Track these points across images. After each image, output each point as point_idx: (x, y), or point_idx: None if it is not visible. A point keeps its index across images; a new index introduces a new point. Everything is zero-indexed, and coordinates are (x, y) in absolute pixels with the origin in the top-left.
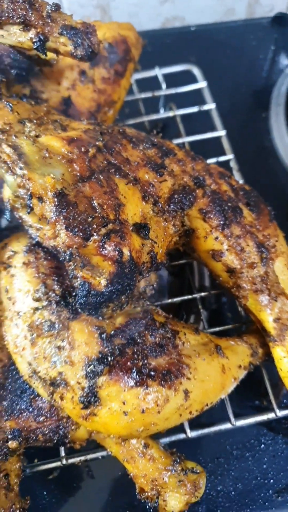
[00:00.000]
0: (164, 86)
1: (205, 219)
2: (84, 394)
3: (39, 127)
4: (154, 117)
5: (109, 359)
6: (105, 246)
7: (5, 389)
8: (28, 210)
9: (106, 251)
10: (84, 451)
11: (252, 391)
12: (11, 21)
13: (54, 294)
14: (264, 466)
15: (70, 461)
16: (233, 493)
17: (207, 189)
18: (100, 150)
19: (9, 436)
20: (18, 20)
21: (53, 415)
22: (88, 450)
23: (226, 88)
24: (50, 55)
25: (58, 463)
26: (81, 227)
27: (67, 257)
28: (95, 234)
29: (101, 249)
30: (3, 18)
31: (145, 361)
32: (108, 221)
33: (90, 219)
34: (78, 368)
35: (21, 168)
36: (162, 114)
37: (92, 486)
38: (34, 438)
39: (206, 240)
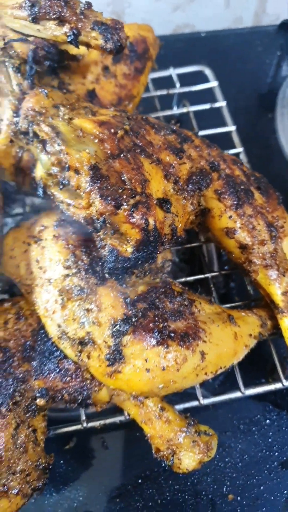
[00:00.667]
0: (178, 85)
1: (220, 199)
2: (110, 352)
3: (71, 111)
4: (168, 112)
5: (133, 320)
6: (133, 215)
7: (34, 351)
8: (61, 187)
9: (134, 220)
10: (103, 415)
11: (259, 369)
12: (47, 17)
13: (82, 263)
14: (270, 440)
15: (90, 424)
16: (240, 464)
17: (222, 173)
18: (127, 133)
19: (37, 395)
20: (54, 16)
21: (78, 376)
22: (107, 415)
23: (234, 90)
24: (77, 50)
25: (79, 426)
26: (113, 196)
27: (99, 225)
28: (125, 203)
29: (129, 218)
30: (40, 14)
31: (165, 323)
32: (136, 193)
33: (120, 190)
34: (105, 328)
35: (59, 144)
36: (176, 110)
37: (107, 456)
38: (60, 397)
39: (221, 218)
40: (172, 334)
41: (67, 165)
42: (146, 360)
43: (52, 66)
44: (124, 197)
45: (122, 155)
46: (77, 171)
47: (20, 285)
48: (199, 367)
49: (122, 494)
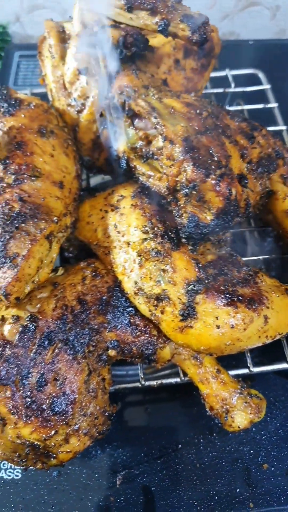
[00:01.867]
0: (233, 85)
1: (285, 183)
2: (184, 308)
3: (159, 92)
4: None
5: (206, 281)
6: (219, 184)
7: (109, 305)
8: (144, 160)
9: (219, 188)
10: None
11: None
12: (141, 7)
13: (158, 230)
14: None
15: (148, 383)
16: (274, 437)
17: (286, 160)
18: (209, 115)
19: (110, 346)
20: (148, 7)
21: (146, 331)
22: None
23: (284, 94)
24: (155, 42)
25: (137, 384)
26: (203, 166)
27: (184, 192)
28: (212, 173)
29: (216, 186)
30: (135, 4)
31: (234, 288)
32: (222, 165)
33: (209, 161)
34: (179, 287)
35: (155, 117)
36: (231, 108)
37: (149, 422)
38: (129, 350)
39: (285, 201)
40: (241, 298)
41: (163, 135)
42: (217, 318)
43: (137, 52)
44: (213, 167)
45: (208, 133)
46: (171, 142)
47: (96, 248)
48: (262, 330)
49: (163, 456)
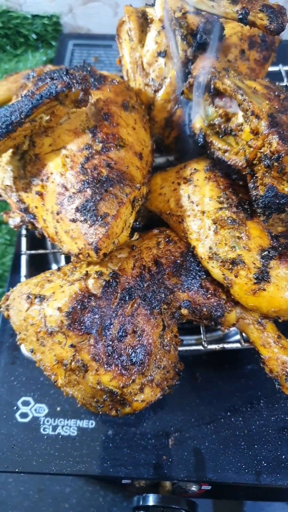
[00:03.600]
0: (285, 80)
1: None
2: (258, 272)
3: (238, 75)
4: None
5: (280, 249)
6: None
7: (183, 268)
8: (221, 135)
9: None
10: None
11: None
12: None
13: (232, 201)
14: None
15: (210, 346)
16: None
17: None
18: (286, 97)
19: (183, 305)
20: None
21: (216, 295)
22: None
23: None
24: (225, 31)
25: (200, 347)
26: (287, 139)
27: (268, 162)
28: None
29: None
30: None
31: None
32: None
33: None
34: (254, 253)
35: (242, 95)
36: None
37: (200, 390)
38: (199, 311)
39: None
40: None
41: (250, 111)
42: None
43: (214, 39)
44: None
45: (286, 112)
46: (258, 117)
47: (168, 217)
48: None
49: (213, 421)
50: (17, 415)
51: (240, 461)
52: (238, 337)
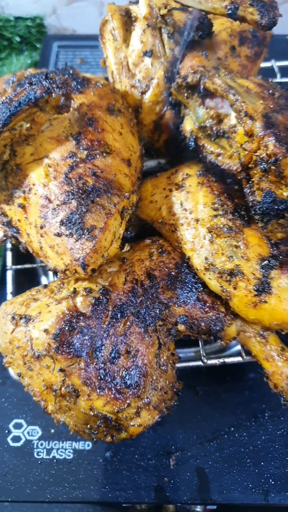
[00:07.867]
0: (278, 75)
1: None
2: (259, 283)
3: (229, 74)
4: None
5: (281, 257)
6: None
7: (178, 281)
8: (213, 138)
9: None
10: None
11: None
12: None
13: (228, 207)
14: None
15: (210, 362)
16: None
17: None
18: (281, 95)
19: (179, 320)
20: None
21: (215, 308)
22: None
23: None
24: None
25: (199, 362)
26: (285, 141)
27: (265, 166)
28: None
29: None
30: None
31: None
32: None
33: None
34: (253, 262)
35: (234, 95)
36: None
37: (201, 405)
38: (197, 326)
39: None
40: None
41: (243, 112)
42: None
43: (203, 36)
44: None
45: (283, 111)
46: (252, 118)
47: (160, 226)
48: None
49: (216, 438)
50: (9, 439)
51: (246, 480)
52: (239, 347)
